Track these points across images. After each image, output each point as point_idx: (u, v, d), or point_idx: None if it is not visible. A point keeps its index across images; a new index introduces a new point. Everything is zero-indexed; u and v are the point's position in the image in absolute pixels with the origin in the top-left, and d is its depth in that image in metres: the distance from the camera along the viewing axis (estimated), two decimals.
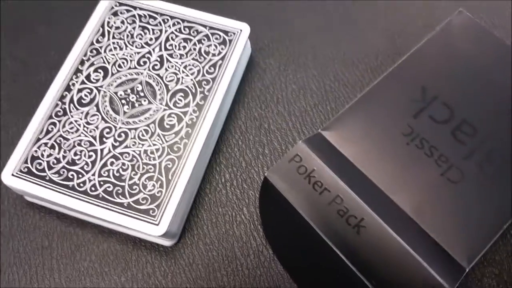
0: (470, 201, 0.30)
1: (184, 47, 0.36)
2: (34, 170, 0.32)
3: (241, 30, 0.36)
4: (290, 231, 0.32)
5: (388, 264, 0.29)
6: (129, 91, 0.35)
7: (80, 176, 0.33)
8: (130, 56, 0.36)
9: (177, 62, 0.35)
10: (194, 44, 0.36)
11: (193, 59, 0.35)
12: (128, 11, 0.38)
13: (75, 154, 0.33)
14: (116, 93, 0.35)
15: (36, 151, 0.33)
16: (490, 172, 0.31)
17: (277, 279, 0.32)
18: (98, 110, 0.34)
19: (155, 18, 0.37)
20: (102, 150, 0.33)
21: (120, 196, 0.32)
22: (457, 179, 0.31)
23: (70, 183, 0.32)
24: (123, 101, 0.34)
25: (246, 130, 0.37)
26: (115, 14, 0.37)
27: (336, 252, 0.29)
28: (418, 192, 0.30)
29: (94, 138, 0.34)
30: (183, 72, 0.35)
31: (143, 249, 0.34)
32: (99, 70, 0.36)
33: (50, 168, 0.33)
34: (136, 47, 0.36)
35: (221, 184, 0.35)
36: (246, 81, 0.38)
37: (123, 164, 0.33)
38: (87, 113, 0.34)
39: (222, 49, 0.35)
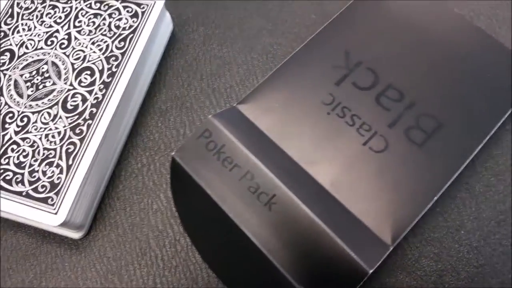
0: (395, 172, 0.27)
1: (94, 23, 0.33)
2: None
3: (154, 2, 0.33)
4: (203, 215, 0.28)
5: (301, 243, 0.25)
6: (34, 72, 0.32)
7: None
8: (38, 37, 0.33)
9: (85, 39, 0.33)
10: (104, 18, 0.33)
11: (102, 34, 0.33)
12: None
13: None
14: (21, 75, 0.32)
15: None
16: (418, 140, 0.27)
17: (195, 270, 0.29)
18: (1, 95, 0.32)
19: None
20: (3, 136, 0.30)
21: (19, 185, 0.29)
22: (380, 148, 0.27)
23: None
24: (28, 84, 0.32)
25: (166, 110, 0.34)
26: None
27: (248, 234, 0.26)
28: (338, 164, 0.27)
29: None
30: (90, 49, 0.32)
31: (52, 242, 0.31)
32: (6, 53, 0.33)
33: None
34: (44, 26, 0.33)
35: (137, 170, 0.32)
36: (167, 59, 0.35)
37: (24, 150, 0.30)
38: None
39: (133, 22, 0.33)
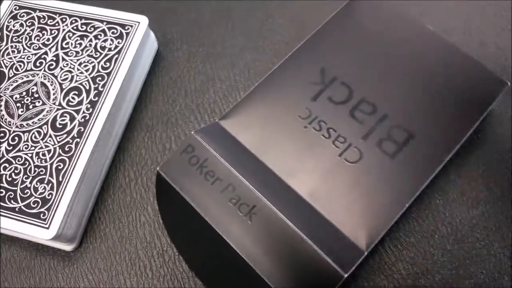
0: (369, 181, 0.28)
1: (80, 44, 0.35)
2: None
3: (138, 23, 0.35)
4: (188, 226, 0.30)
5: (280, 250, 0.27)
6: (24, 93, 0.34)
7: None
8: (27, 58, 0.35)
9: (72, 60, 0.34)
10: (90, 40, 0.35)
11: (88, 55, 0.34)
12: (27, 13, 0.37)
13: None
14: (12, 96, 0.34)
15: None
16: (390, 150, 0.29)
17: (182, 278, 0.31)
18: None
19: (54, 19, 0.36)
20: None
21: (12, 201, 0.30)
22: (355, 159, 0.29)
23: None
24: (18, 104, 0.33)
25: (152, 126, 0.35)
26: (14, 17, 0.36)
27: (230, 243, 0.28)
28: (315, 175, 0.29)
29: None
30: (78, 69, 0.34)
31: (46, 255, 0.32)
32: None
33: None
34: (33, 48, 0.35)
35: (125, 184, 0.34)
36: (152, 76, 0.37)
37: (16, 168, 0.31)
38: None
39: (118, 43, 0.34)
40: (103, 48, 0.34)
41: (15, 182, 0.31)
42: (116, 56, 0.34)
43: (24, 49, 0.35)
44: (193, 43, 0.38)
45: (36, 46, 0.35)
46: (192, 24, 0.38)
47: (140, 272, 0.31)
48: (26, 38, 0.36)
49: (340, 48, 0.32)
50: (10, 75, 0.34)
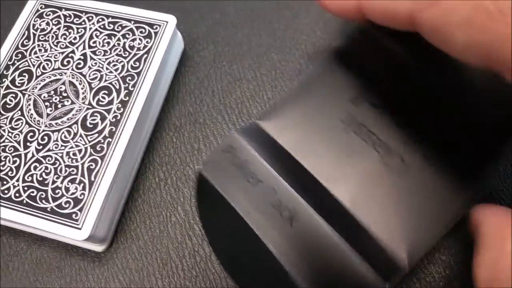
0: (412, 191, 0.28)
1: (108, 43, 0.34)
2: None
3: (167, 22, 0.35)
4: (227, 227, 0.30)
5: (319, 258, 0.27)
6: (52, 92, 0.33)
7: (4, 182, 0.31)
8: (54, 57, 0.34)
9: (100, 59, 0.34)
10: (118, 39, 0.34)
11: (117, 54, 0.34)
12: (53, 12, 0.37)
13: (0, 160, 0.32)
14: (40, 95, 0.33)
15: None
16: (434, 161, 0.28)
17: (214, 279, 0.31)
18: (22, 114, 0.33)
19: (80, 17, 0.36)
20: (26, 154, 0.32)
21: (43, 201, 0.30)
22: (397, 165, 0.29)
23: None
24: (47, 103, 0.33)
25: (180, 126, 0.35)
26: (40, 16, 0.36)
27: (269, 247, 0.28)
28: (356, 181, 0.28)
29: (19, 143, 0.32)
30: (106, 69, 0.34)
31: (76, 256, 0.32)
32: (24, 74, 0.34)
33: None
34: (60, 47, 0.35)
35: (155, 184, 0.33)
36: (179, 76, 0.37)
37: (46, 168, 0.31)
38: (12, 118, 0.33)
39: (147, 42, 0.34)
40: (131, 47, 0.34)
41: (45, 182, 0.31)
42: (146, 55, 0.34)
43: (51, 47, 0.35)
44: (219, 43, 0.38)
45: (63, 44, 0.35)
46: (217, 24, 0.38)
47: (172, 273, 0.31)
48: (52, 36, 0.35)
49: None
50: (38, 74, 0.34)
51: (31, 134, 0.32)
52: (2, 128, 0.33)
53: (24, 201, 0.31)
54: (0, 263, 0.33)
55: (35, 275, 0.32)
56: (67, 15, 0.36)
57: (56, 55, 0.35)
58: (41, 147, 0.32)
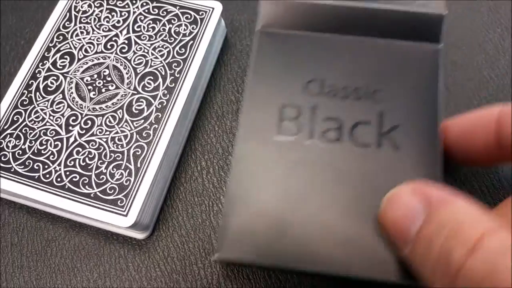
0: None
1: (153, 28, 0.34)
2: None
3: (213, 9, 0.34)
4: None
5: None
6: (95, 76, 0.33)
7: (46, 167, 0.31)
8: (97, 40, 0.34)
9: (145, 44, 0.33)
10: (164, 24, 0.34)
11: (162, 40, 0.33)
12: None
13: (41, 144, 0.31)
14: (82, 79, 0.33)
15: (0, 142, 0.31)
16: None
17: (257, 269, 0.30)
18: (64, 98, 0.32)
19: (123, 0, 0.35)
20: (68, 139, 0.31)
21: (86, 187, 0.30)
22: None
23: (36, 175, 0.30)
24: (90, 87, 0.32)
25: (222, 115, 0.34)
26: None
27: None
28: None
29: (60, 126, 0.32)
30: (152, 54, 0.33)
31: (115, 243, 0.32)
32: (66, 56, 0.34)
33: (15, 159, 0.31)
34: (103, 30, 0.34)
35: (197, 172, 0.33)
36: (221, 64, 0.36)
37: (90, 152, 0.31)
38: (53, 101, 0.32)
39: (193, 28, 0.33)
40: (177, 33, 0.33)
41: (89, 167, 0.30)
42: (191, 42, 0.33)
43: (94, 30, 0.34)
44: None
45: (106, 27, 0.34)
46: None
47: (214, 262, 0.31)
48: (95, 19, 0.35)
49: None
50: (80, 57, 0.33)
51: (73, 118, 0.32)
52: (44, 111, 0.32)
53: (66, 186, 0.30)
54: (38, 248, 0.32)
55: (73, 261, 0.32)
56: None
57: (98, 38, 0.34)
58: (84, 131, 0.31)
